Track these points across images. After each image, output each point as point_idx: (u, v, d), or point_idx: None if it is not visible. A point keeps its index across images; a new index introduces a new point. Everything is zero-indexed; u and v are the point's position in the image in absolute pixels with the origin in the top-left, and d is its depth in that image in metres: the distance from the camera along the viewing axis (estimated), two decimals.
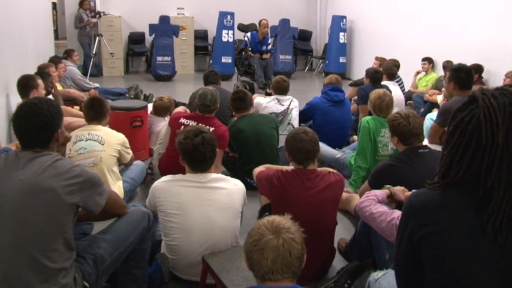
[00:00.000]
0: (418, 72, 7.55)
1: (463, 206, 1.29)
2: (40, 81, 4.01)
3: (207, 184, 2.47)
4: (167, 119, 4.57)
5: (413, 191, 1.57)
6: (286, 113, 4.64)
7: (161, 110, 4.75)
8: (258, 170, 2.85)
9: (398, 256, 1.46)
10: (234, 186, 2.56)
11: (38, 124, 1.84)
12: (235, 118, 4.20)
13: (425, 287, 1.38)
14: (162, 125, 4.42)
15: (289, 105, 4.71)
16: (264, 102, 4.70)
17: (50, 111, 1.86)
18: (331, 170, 2.81)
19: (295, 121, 4.70)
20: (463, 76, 3.65)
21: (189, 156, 2.48)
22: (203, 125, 3.16)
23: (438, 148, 3.08)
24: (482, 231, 1.24)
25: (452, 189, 1.31)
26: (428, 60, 7.41)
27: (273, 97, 4.78)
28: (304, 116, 4.91)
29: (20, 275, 1.70)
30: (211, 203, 2.45)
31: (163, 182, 2.52)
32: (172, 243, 2.47)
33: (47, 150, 1.86)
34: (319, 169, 2.67)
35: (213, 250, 2.41)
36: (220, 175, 2.60)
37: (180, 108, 4.34)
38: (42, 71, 4.77)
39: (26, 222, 1.72)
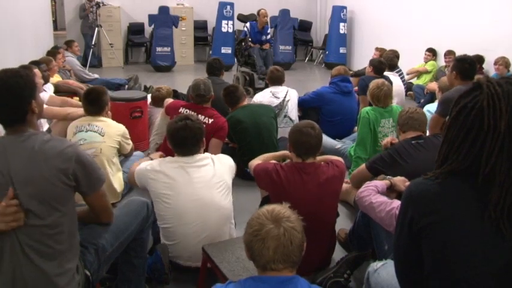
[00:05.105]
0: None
1: (462, 195, 1.29)
2: (37, 71, 3.99)
3: (193, 164, 2.56)
4: None
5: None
6: (282, 105, 4.61)
7: (159, 100, 4.73)
8: (254, 162, 2.79)
9: (398, 246, 1.46)
10: (217, 160, 2.65)
11: (6, 98, 1.72)
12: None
13: (424, 278, 1.38)
14: None
15: (285, 97, 4.67)
16: (259, 97, 4.68)
17: (18, 82, 1.73)
18: (333, 159, 2.76)
19: (291, 113, 4.66)
20: (466, 66, 3.66)
21: (170, 138, 2.60)
22: (196, 114, 3.26)
23: None
24: (482, 220, 1.24)
25: (451, 178, 1.31)
26: (432, 52, 7.43)
27: (267, 90, 4.75)
28: (311, 105, 4.89)
29: (26, 256, 1.69)
30: (200, 180, 2.53)
31: (153, 164, 2.58)
32: (166, 225, 2.51)
33: (27, 125, 1.77)
34: (319, 158, 2.65)
35: (209, 232, 2.48)
36: (205, 154, 2.67)
37: (170, 100, 4.33)
38: (36, 61, 4.75)
39: (27, 209, 1.69)
